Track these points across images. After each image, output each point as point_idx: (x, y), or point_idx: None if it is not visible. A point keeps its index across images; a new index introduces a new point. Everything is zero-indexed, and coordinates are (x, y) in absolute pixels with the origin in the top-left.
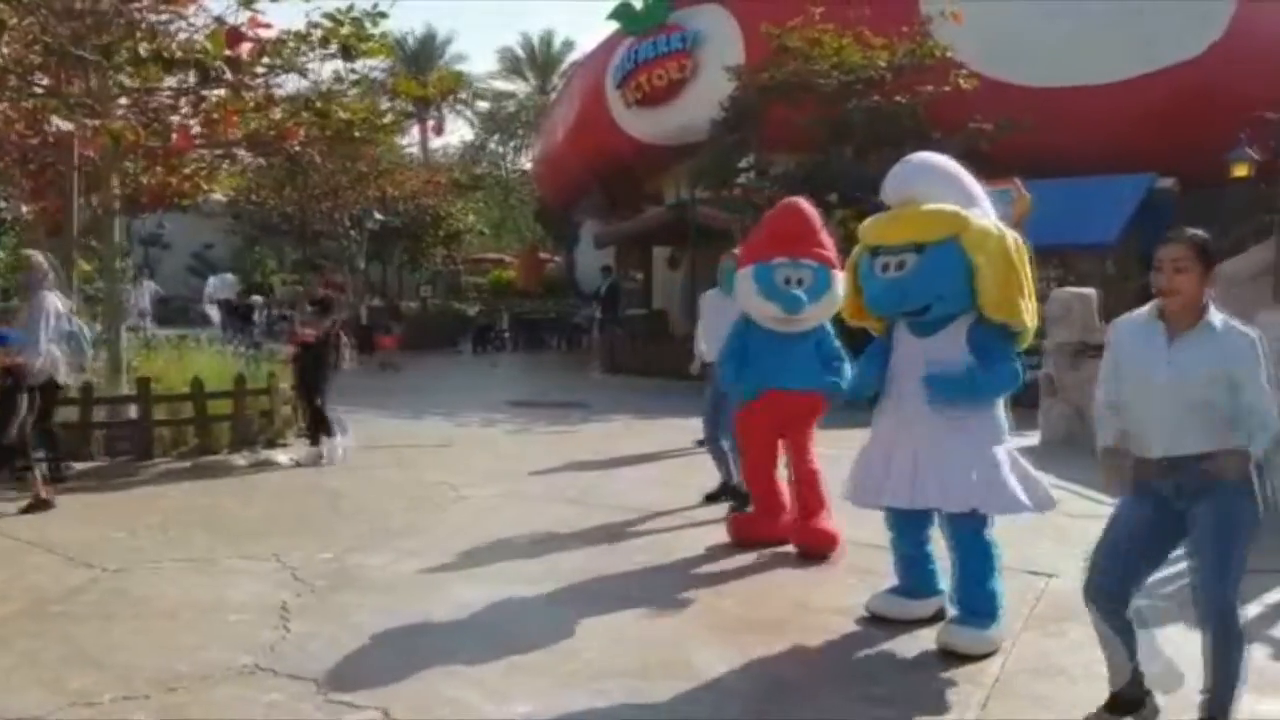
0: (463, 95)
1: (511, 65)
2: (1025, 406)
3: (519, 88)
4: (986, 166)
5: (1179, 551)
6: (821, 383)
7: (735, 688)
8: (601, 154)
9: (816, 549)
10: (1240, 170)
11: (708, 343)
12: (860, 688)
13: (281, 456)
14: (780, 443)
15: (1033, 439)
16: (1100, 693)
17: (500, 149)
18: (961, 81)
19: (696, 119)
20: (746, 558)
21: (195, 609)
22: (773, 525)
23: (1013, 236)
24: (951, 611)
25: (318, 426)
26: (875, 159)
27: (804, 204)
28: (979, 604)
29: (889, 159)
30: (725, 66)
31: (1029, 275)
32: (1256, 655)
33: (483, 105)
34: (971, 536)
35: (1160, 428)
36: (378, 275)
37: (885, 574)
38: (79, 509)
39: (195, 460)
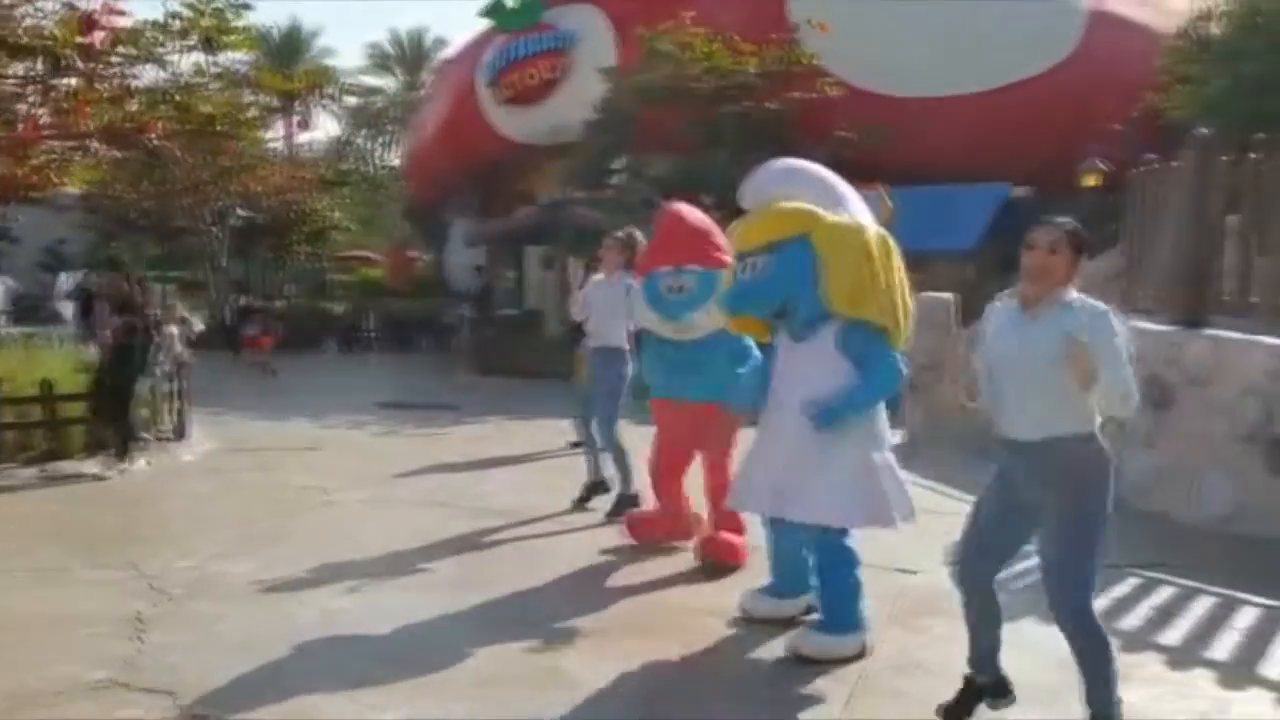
0: (330, 90)
1: (380, 61)
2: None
3: (388, 84)
4: (852, 174)
5: None
6: (719, 395)
7: (612, 693)
8: (472, 152)
9: (719, 562)
10: (1090, 180)
11: (595, 330)
12: (732, 688)
13: (141, 461)
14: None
15: (895, 438)
16: (954, 687)
17: (368, 145)
18: (828, 89)
19: (569, 119)
20: (622, 561)
21: (45, 622)
22: (672, 524)
23: (876, 233)
24: (814, 615)
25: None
26: (746, 164)
27: (686, 209)
28: (833, 612)
29: (759, 164)
30: (598, 68)
31: (896, 272)
32: None
33: (351, 101)
34: (827, 545)
35: (1010, 407)
36: (241, 273)
37: (763, 575)
38: None
39: (45, 466)
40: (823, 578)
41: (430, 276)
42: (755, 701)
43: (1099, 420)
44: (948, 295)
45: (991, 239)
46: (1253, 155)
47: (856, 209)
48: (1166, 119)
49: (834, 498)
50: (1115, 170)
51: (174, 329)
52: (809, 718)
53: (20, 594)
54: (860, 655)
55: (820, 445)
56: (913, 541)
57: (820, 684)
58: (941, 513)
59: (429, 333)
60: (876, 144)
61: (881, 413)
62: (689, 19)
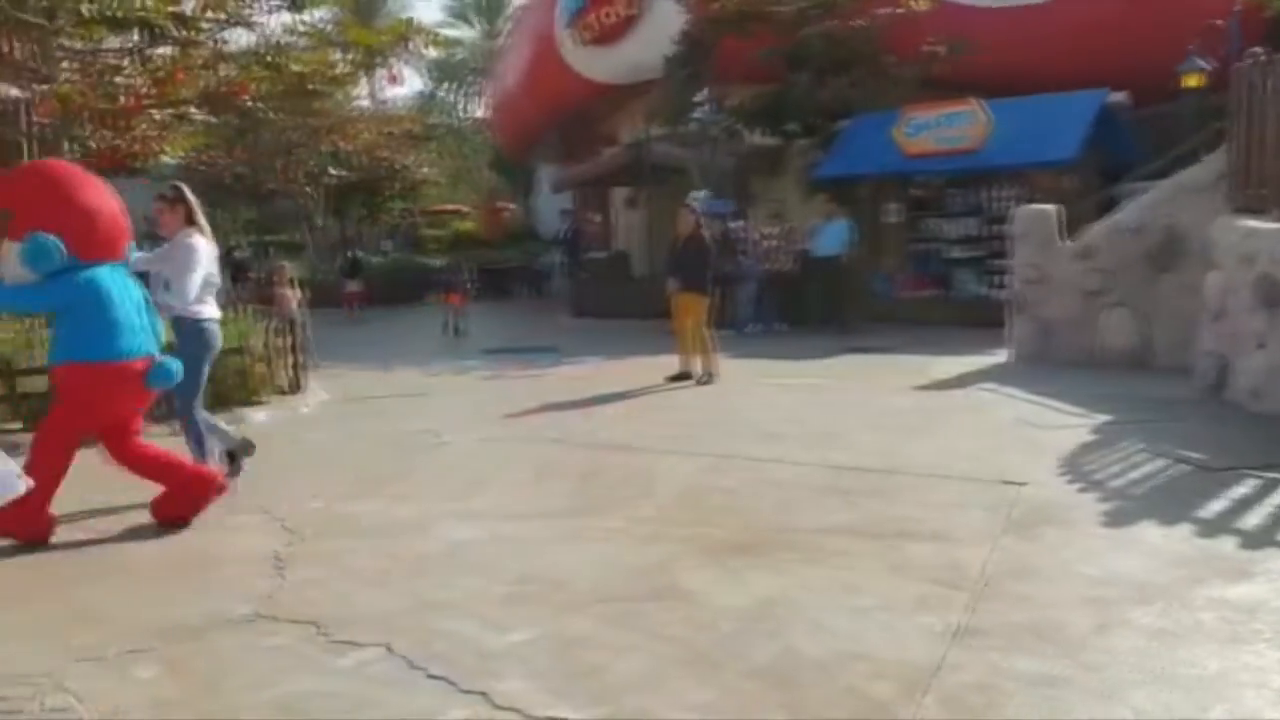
0: (418, 40)
1: (458, 12)
2: (992, 326)
3: (467, 34)
4: (944, 89)
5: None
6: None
7: (727, 607)
8: (555, 97)
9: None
10: (1191, 81)
11: None
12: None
13: (260, 414)
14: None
15: (1001, 356)
16: (1075, 590)
17: (451, 98)
18: (915, 4)
19: (649, 56)
20: (714, 480)
21: (186, 564)
22: None
23: None
24: None
25: None
26: (832, 85)
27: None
28: None
29: (845, 85)
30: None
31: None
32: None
33: (432, 54)
34: None
35: None
36: (338, 232)
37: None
38: None
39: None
40: None
41: (520, 225)
42: (873, 593)
43: None
44: (1050, 207)
45: (1091, 148)
46: None
47: None
48: (1272, 9)
49: None
50: (1218, 68)
51: (288, 291)
52: (929, 621)
53: (164, 538)
54: None
55: None
56: (1023, 455)
57: (939, 592)
58: (1047, 426)
59: (524, 280)
60: (966, 57)
61: None
62: None
